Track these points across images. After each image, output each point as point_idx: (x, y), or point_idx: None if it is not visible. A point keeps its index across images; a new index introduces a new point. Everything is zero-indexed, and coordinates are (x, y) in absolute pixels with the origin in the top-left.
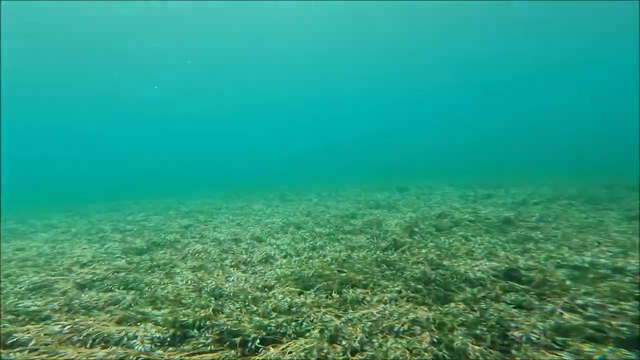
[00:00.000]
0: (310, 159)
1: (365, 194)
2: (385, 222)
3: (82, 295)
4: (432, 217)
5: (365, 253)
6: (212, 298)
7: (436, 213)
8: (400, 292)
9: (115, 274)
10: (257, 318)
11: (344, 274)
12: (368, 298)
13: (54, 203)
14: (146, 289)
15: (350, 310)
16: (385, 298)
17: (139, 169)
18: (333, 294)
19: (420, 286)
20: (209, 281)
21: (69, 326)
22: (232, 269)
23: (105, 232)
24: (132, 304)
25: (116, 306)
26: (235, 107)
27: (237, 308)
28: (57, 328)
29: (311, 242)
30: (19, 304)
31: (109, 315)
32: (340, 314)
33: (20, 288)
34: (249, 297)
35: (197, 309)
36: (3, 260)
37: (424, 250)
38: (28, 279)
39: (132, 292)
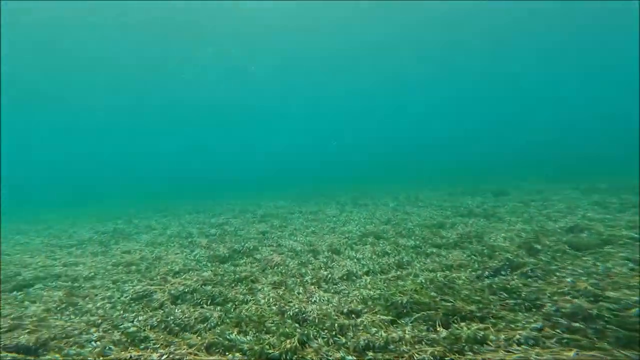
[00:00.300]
0: (382, 160)
1: (450, 198)
2: (487, 235)
3: (176, 310)
4: (560, 230)
5: (468, 274)
6: (296, 324)
7: (565, 225)
8: (540, 329)
9: (203, 286)
10: (350, 358)
11: (449, 303)
12: (492, 336)
13: (153, 203)
14: (230, 305)
15: (469, 354)
16: (518, 337)
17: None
18: (438, 328)
19: (577, 324)
20: (291, 303)
21: (166, 356)
22: (313, 286)
23: (193, 237)
24: (219, 323)
25: (205, 324)
26: (306, 107)
27: (324, 341)
28: (155, 357)
29: (396, 257)
30: (121, 325)
31: (199, 339)
32: (456, 358)
33: (126, 297)
34: (336, 324)
35: (282, 338)
36: (113, 264)
37: (568, 279)
38: (132, 287)
39: (219, 308)
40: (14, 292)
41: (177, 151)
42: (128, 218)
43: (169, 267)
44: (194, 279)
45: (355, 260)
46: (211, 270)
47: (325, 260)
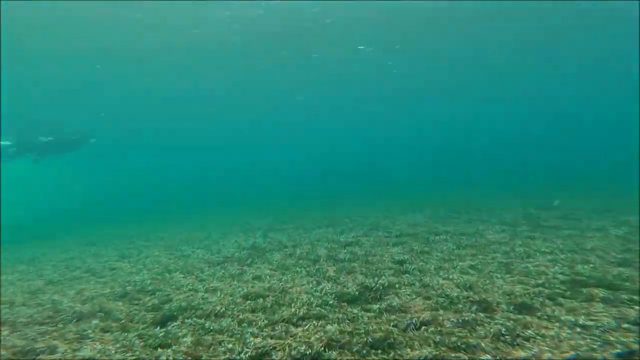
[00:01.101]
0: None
1: None
2: None
3: None
4: None
5: None
6: None
7: None
8: None
9: (327, 350)
10: None
11: None
12: None
13: (285, 209)
14: None
15: None
16: None
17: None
18: None
19: None
20: None
21: None
22: None
23: (320, 261)
24: None
25: None
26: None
27: None
28: None
29: None
30: None
31: None
32: None
33: (245, 355)
34: None
35: None
36: (243, 296)
37: None
38: (253, 338)
39: None
40: (157, 329)
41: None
42: (265, 230)
43: (293, 308)
44: (317, 335)
45: (572, 329)
46: (337, 323)
47: (510, 325)
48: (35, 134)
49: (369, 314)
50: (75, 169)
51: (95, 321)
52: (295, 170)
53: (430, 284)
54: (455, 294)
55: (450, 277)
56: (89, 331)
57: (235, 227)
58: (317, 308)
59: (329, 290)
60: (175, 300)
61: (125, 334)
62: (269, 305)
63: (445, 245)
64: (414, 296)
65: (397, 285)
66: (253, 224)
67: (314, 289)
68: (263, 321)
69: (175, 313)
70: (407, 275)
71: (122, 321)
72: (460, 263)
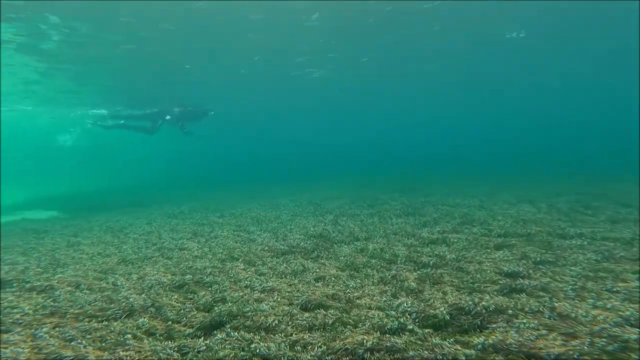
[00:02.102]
0: None
1: None
2: None
3: None
4: None
5: None
6: None
7: None
8: None
9: None
10: None
11: None
12: None
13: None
14: None
15: None
16: None
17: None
18: None
19: None
20: None
21: None
22: None
23: (398, 264)
24: None
25: None
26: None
27: None
28: None
29: None
30: None
31: None
32: None
33: None
34: None
35: None
36: (301, 305)
37: None
38: None
39: None
40: (200, 339)
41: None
42: (337, 214)
43: (360, 331)
44: None
45: None
46: None
47: None
48: (169, 105)
49: (467, 352)
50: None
51: (143, 319)
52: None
53: (572, 314)
54: (628, 336)
55: (609, 305)
56: (130, 335)
57: (308, 208)
58: (393, 337)
59: (409, 308)
60: (228, 300)
61: (166, 342)
62: (329, 322)
63: (583, 256)
64: (544, 331)
65: (509, 311)
66: (325, 206)
67: (389, 303)
68: (320, 347)
69: (224, 319)
70: (524, 295)
71: (169, 322)
72: (620, 284)
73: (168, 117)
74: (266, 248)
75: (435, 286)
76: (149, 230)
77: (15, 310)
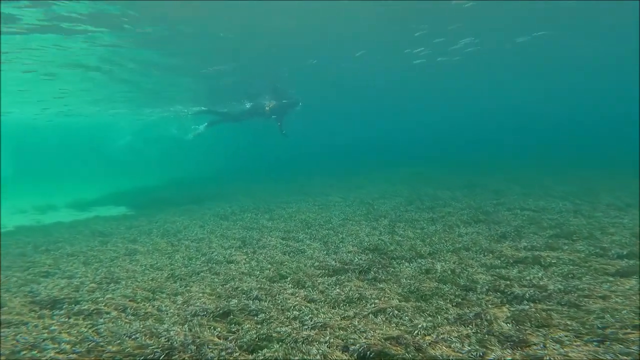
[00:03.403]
0: None
1: None
2: None
3: None
4: None
5: None
6: None
7: None
8: None
9: None
10: None
11: None
12: None
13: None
14: None
15: None
16: None
17: None
18: None
19: None
20: None
21: None
22: None
23: (475, 291)
24: None
25: None
26: None
27: None
28: None
29: None
30: None
31: None
32: None
33: None
34: None
35: None
36: (358, 352)
37: None
38: None
39: None
40: None
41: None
42: (393, 219)
43: None
44: None
45: None
46: None
47: None
48: (262, 98)
49: None
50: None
51: None
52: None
53: None
54: None
55: None
56: None
57: (360, 208)
58: None
59: None
60: (274, 338)
61: None
62: None
63: None
64: None
65: None
66: (379, 207)
67: (475, 356)
68: None
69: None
70: None
71: None
72: None
73: (266, 109)
74: (316, 264)
75: (541, 330)
76: (201, 235)
77: (50, 347)
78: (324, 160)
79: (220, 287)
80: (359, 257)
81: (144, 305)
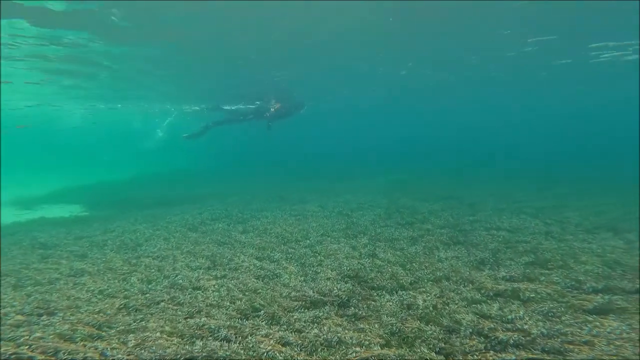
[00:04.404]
0: None
1: None
2: None
3: None
4: None
5: None
6: None
7: None
8: None
9: None
10: None
11: None
12: None
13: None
14: None
15: None
16: None
17: None
18: None
19: None
20: None
21: None
22: None
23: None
24: None
25: None
26: None
27: None
28: None
29: None
30: None
31: None
32: None
33: None
34: None
35: None
36: None
37: None
38: None
39: None
40: None
41: None
42: (372, 237)
43: None
44: None
45: None
46: None
47: None
48: (268, 100)
49: None
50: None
51: None
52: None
53: None
54: None
55: None
56: None
57: (339, 221)
58: None
59: None
60: None
61: None
62: None
63: None
64: None
65: None
66: (357, 220)
67: None
68: None
69: None
70: None
71: None
72: None
73: (267, 114)
74: (293, 294)
75: None
76: (165, 250)
77: None
78: (307, 165)
79: (183, 322)
80: (339, 286)
81: (83, 348)
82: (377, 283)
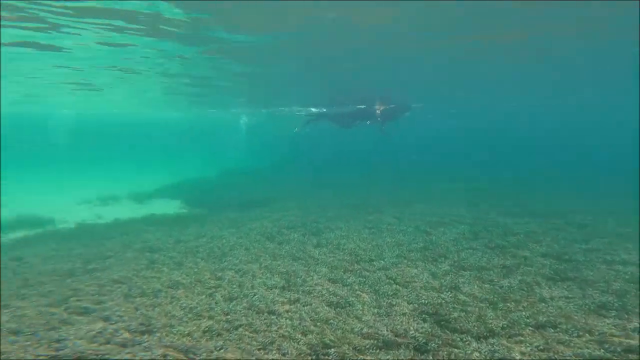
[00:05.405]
0: None
1: None
2: None
3: None
4: None
5: None
6: None
7: None
8: None
9: None
10: None
11: None
12: None
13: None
14: None
15: None
16: None
17: None
18: None
19: None
20: None
21: None
22: None
23: None
24: None
25: None
26: None
27: None
28: None
29: None
30: None
31: None
32: None
33: None
34: None
35: None
36: None
37: None
38: None
39: None
40: None
41: None
42: (454, 263)
43: None
44: None
45: None
46: None
47: None
48: (372, 104)
49: None
50: None
51: None
52: None
53: None
54: None
55: None
56: None
57: (416, 239)
58: None
59: None
60: None
61: None
62: None
63: None
64: None
65: None
66: (438, 240)
67: None
68: None
69: None
70: None
71: None
72: None
73: (376, 115)
74: (365, 330)
75: None
76: (245, 262)
77: None
78: (381, 167)
79: (257, 354)
80: (415, 326)
81: None
82: (461, 325)
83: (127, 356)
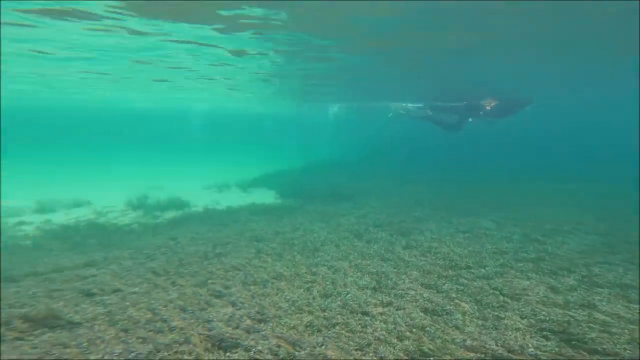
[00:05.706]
0: None
1: None
2: None
3: None
4: None
5: None
6: None
7: None
8: None
9: None
10: None
11: None
12: None
13: None
14: None
15: None
16: None
17: None
18: None
19: None
20: None
21: None
22: None
23: None
24: None
25: None
26: None
27: None
28: None
29: None
30: None
31: None
32: None
33: None
34: None
35: None
36: None
37: None
38: None
39: None
40: None
41: None
42: (586, 279)
43: None
44: None
45: None
46: None
47: None
48: (478, 97)
49: None
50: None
51: None
52: None
53: None
54: None
55: None
56: None
57: (527, 249)
58: None
59: None
60: None
61: None
62: None
63: None
64: None
65: None
66: (555, 253)
67: None
68: None
69: None
70: None
71: None
72: None
73: (481, 113)
74: (468, 342)
75: None
76: (336, 259)
77: None
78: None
79: (355, 354)
80: (535, 343)
81: None
82: (603, 347)
83: (252, 342)
